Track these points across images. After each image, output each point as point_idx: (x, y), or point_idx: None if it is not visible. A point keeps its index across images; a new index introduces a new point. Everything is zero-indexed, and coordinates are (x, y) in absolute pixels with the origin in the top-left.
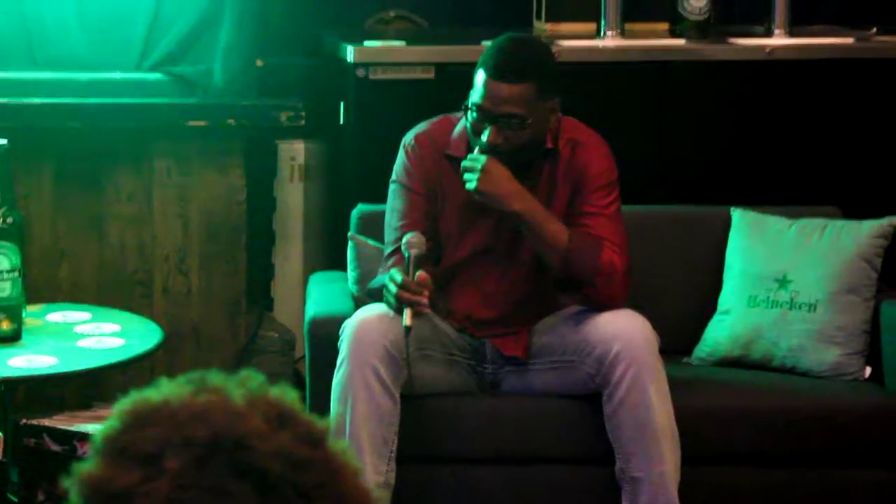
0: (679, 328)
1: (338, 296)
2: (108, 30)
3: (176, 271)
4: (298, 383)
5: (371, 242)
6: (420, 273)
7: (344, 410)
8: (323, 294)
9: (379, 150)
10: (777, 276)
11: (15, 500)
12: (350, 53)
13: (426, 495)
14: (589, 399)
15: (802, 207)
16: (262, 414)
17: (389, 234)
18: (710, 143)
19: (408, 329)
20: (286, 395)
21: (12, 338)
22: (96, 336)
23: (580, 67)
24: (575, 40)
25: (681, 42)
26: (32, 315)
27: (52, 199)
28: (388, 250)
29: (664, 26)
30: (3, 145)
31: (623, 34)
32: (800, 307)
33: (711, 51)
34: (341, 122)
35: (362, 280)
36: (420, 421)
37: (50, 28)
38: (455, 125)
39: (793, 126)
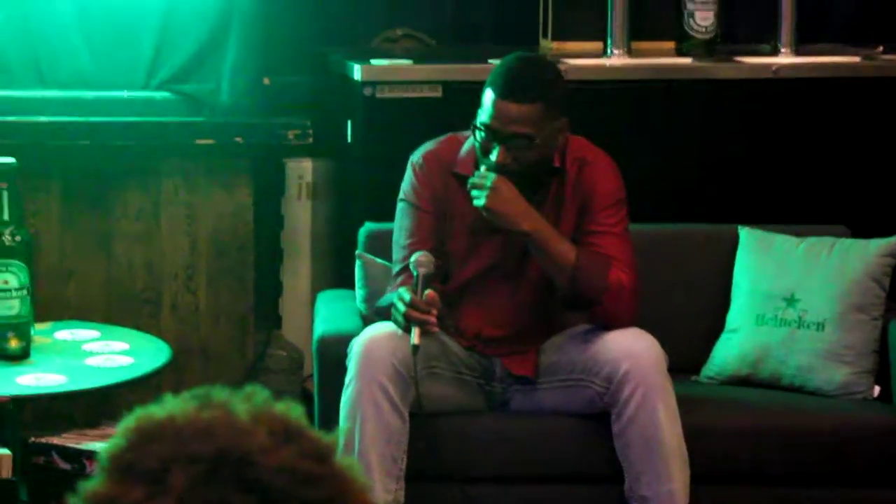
0: (686, 347)
1: (346, 314)
2: (114, 48)
3: (184, 289)
4: (307, 401)
5: (379, 261)
6: (429, 292)
7: (353, 429)
8: (331, 312)
9: (386, 168)
10: (785, 295)
11: None
12: (357, 72)
13: None
14: (597, 418)
15: (810, 226)
16: (267, 429)
17: (397, 253)
18: (717, 162)
19: (416, 348)
20: (292, 410)
21: (21, 356)
22: (105, 354)
23: (587, 86)
24: (581, 59)
25: (687, 61)
26: (41, 333)
27: (60, 217)
28: (396, 269)
29: (670, 45)
30: (12, 163)
31: (629, 53)
32: (808, 326)
33: (718, 69)
34: (348, 140)
35: (370, 298)
36: (429, 439)
37: (57, 47)
38: (462, 144)
39: (800, 145)
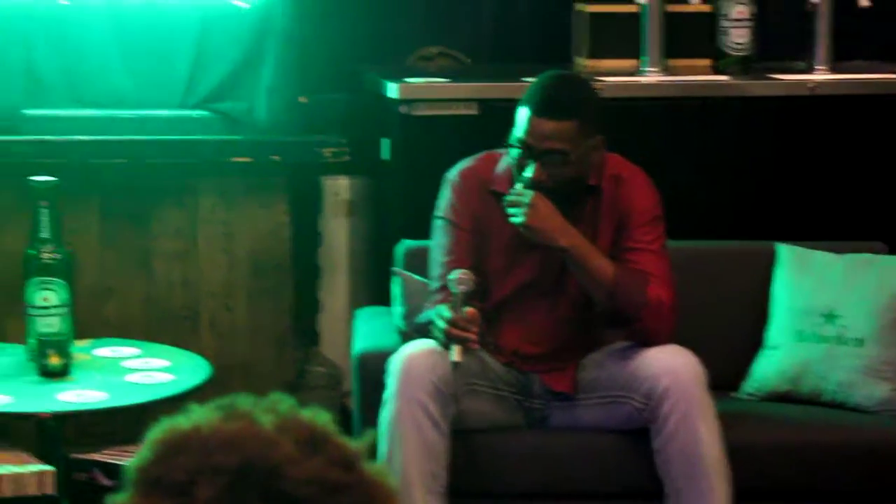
0: (723, 363)
1: (385, 331)
2: (152, 68)
3: (222, 307)
4: (346, 418)
5: (417, 278)
6: (469, 309)
7: (393, 446)
8: (370, 329)
9: (422, 185)
10: (824, 311)
11: None
12: (393, 90)
13: None
14: (637, 434)
15: (848, 243)
16: (293, 439)
17: (435, 270)
18: (753, 179)
19: (456, 365)
20: (318, 417)
21: (61, 373)
22: (145, 371)
23: (622, 103)
24: (616, 77)
25: (723, 78)
26: (81, 350)
27: (99, 236)
28: (434, 286)
29: (706, 62)
30: (52, 182)
31: (665, 70)
32: (848, 342)
33: (753, 87)
34: (384, 157)
35: (409, 315)
36: (469, 456)
37: (94, 67)
38: (498, 161)
39: (836, 162)
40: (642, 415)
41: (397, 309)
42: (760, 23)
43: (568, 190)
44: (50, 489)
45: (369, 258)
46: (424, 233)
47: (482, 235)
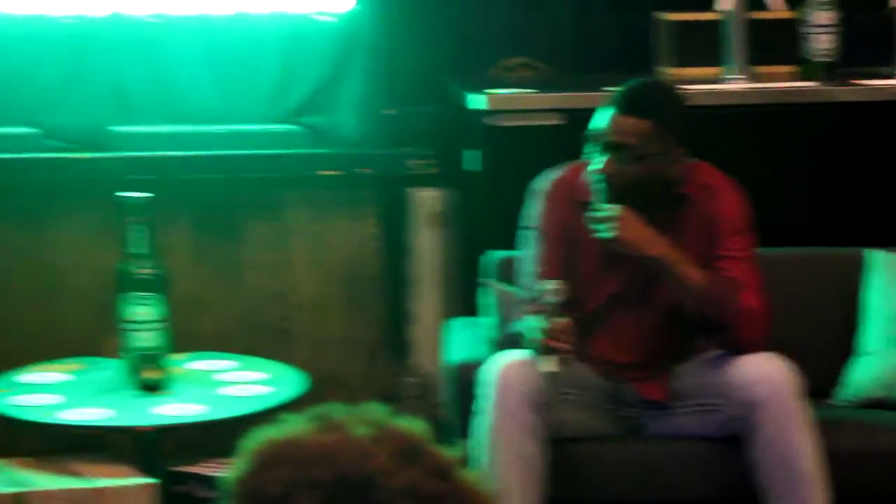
0: (816, 370)
1: (475, 341)
2: (239, 83)
3: (314, 319)
4: (437, 428)
5: (506, 288)
6: (564, 320)
7: (488, 456)
8: (461, 340)
9: (509, 196)
10: None
11: None
12: (478, 101)
13: None
14: (731, 442)
15: None
16: (388, 450)
17: (526, 280)
18: (839, 185)
19: (550, 375)
20: (413, 427)
21: (158, 387)
22: (242, 384)
23: (706, 111)
24: (701, 84)
25: (807, 84)
26: (177, 364)
27: (192, 250)
28: (525, 296)
29: (790, 69)
30: (146, 198)
31: (749, 77)
32: None
33: (838, 92)
34: (468, 168)
35: (501, 326)
36: (565, 465)
37: (182, 82)
38: (584, 170)
39: None
40: (736, 423)
41: (488, 319)
42: (844, 28)
43: (636, 191)
44: (151, 502)
45: (458, 269)
46: (512, 243)
47: (571, 245)
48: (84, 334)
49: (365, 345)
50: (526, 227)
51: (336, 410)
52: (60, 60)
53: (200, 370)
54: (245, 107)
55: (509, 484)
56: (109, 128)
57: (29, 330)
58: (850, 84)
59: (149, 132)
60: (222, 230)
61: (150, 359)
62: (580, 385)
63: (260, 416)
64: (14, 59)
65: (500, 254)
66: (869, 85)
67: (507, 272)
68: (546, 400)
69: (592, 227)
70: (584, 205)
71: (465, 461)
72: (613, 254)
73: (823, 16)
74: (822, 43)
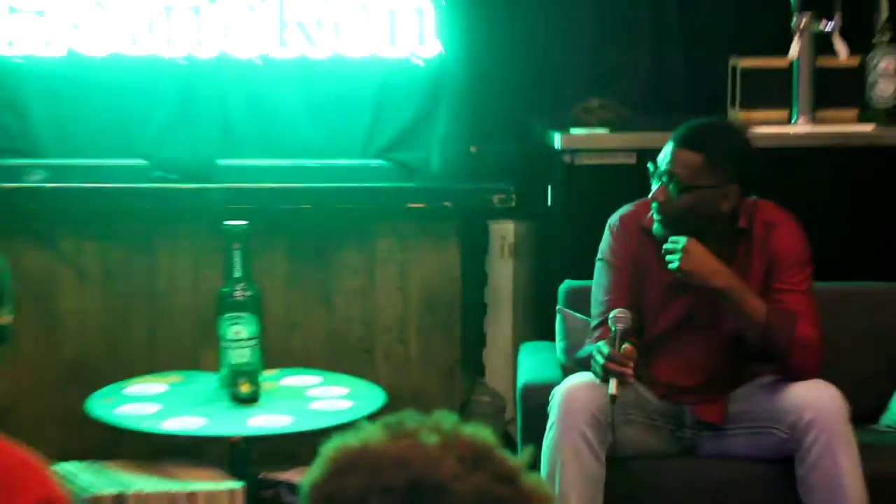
0: (864, 397)
1: (546, 364)
2: (335, 121)
3: (396, 340)
4: (509, 444)
5: (578, 315)
6: (626, 346)
7: (554, 471)
8: (533, 362)
9: (584, 229)
10: None
11: None
12: (557, 140)
13: None
14: (782, 463)
15: None
16: (457, 456)
17: (596, 308)
18: (892, 226)
19: (614, 397)
20: (480, 433)
21: (251, 399)
22: (327, 398)
23: (773, 152)
24: (768, 126)
25: (869, 128)
26: (269, 379)
27: (286, 275)
28: (594, 322)
29: (853, 113)
30: (244, 226)
31: (814, 121)
32: None
33: None
34: (548, 203)
35: (570, 350)
36: (624, 482)
37: (282, 120)
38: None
39: None
40: (787, 445)
41: (559, 344)
42: None
43: (685, 221)
44: None
45: (532, 296)
46: (585, 273)
47: (639, 275)
48: (185, 349)
49: (443, 364)
50: (598, 259)
51: (407, 419)
52: (171, 98)
53: (289, 385)
54: (340, 143)
55: (571, 498)
56: (215, 161)
57: (135, 345)
58: None
59: (251, 165)
60: (315, 257)
61: (244, 373)
62: (641, 406)
63: (342, 427)
64: (129, 97)
65: (573, 283)
66: None
67: (578, 301)
68: (608, 420)
69: (662, 257)
70: (651, 238)
71: (528, 466)
72: (679, 283)
73: (886, 63)
74: (884, 89)
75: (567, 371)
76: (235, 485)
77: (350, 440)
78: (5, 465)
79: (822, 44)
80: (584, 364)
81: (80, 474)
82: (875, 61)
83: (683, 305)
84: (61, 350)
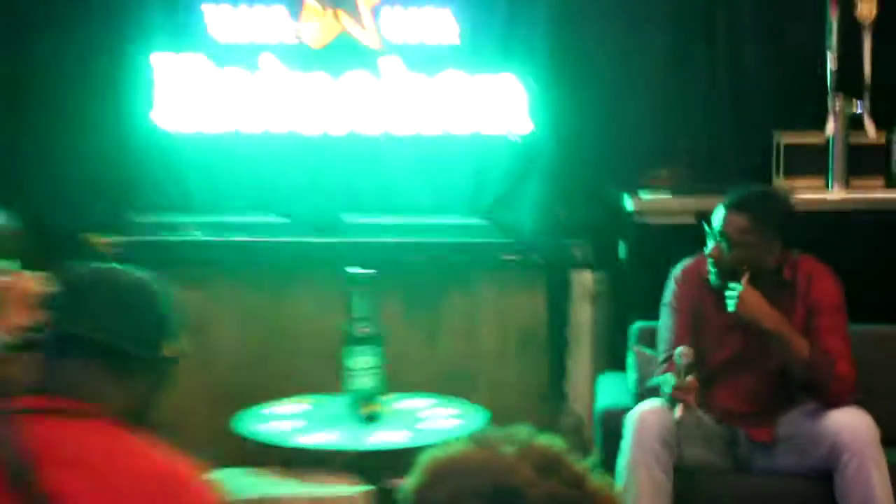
0: (891, 422)
1: (621, 392)
2: (444, 185)
3: (495, 370)
4: (588, 459)
5: (648, 352)
6: (690, 378)
7: (628, 483)
8: (609, 391)
9: (651, 279)
10: None
11: None
12: (628, 203)
13: None
14: (823, 478)
15: None
16: (531, 464)
17: (662, 345)
18: None
19: (678, 421)
20: (551, 443)
21: (373, 419)
22: (437, 418)
23: (812, 215)
24: (807, 192)
25: (894, 193)
26: (388, 402)
27: (402, 314)
28: (661, 357)
29: (880, 181)
30: (371, 274)
31: (846, 188)
32: None
33: None
34: (621, 256)
35: (641, 380)
36: (689, 493)
37: (400, 183)
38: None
39: None
40: (827, 462)
41: (631, 375)
42: None
43: (735, 272)
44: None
45: (608, 334)
46: (652, 315)
47: (699, 317)
48: (317, 377)
49: (533, 391)
50: (664, 304)
51: (489, 433)
52: (306, 166)
53: (406, 407)
54: (448, 203)
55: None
56: (341, 218)
57: (276, 372)
58: None
59: (372, 222)
60: (426, 300)
61: (367, 397)
62: (701, 428)
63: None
64: (271, 165)
65: (643, 323)
66: None
67: (647, 338)
68: (674, 440)
69: (718, 302)
70: (709, 286)
71: (594, 470)
72: (732, 324)
73: None
74: None
75: (639, 398)
76: (364, 489)
77: (441, 452)
78: (171, 471)
79: (853, 122)
80: (654, 392)
81: (230, 481)
82: None
83: (737, 344)
84: (212, 376)
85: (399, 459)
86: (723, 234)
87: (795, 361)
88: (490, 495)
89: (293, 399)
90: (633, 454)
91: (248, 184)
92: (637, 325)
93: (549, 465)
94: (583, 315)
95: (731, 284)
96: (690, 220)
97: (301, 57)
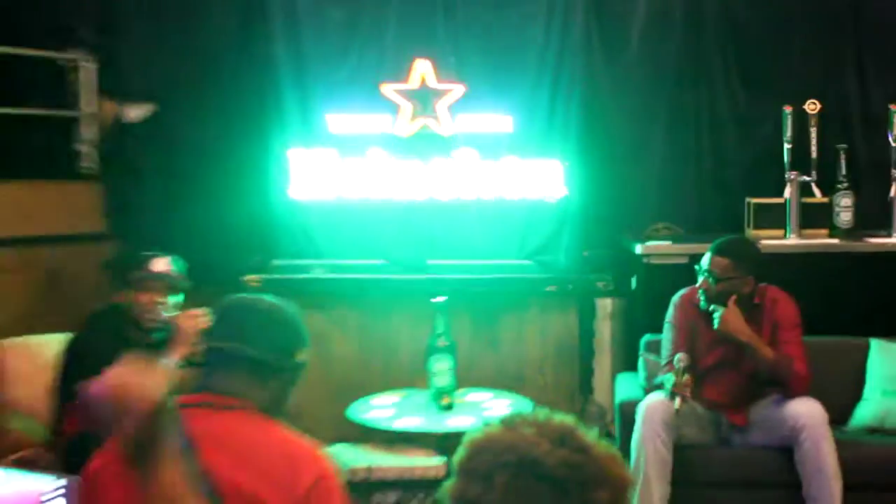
0: (836, 408)
1: (634, 388)
2: (498, 235)
3: (538, 372)
4: (609, 439)
5: (653, 358)
6: (686, 377)
7: (640, 456)
8: (625, 387)
9: (656, 304)
10: None
11: None
12: (638, 248)
13: None
14: (786, 450)
15: None
16: (547, 438)
17: (664, 353)
18: (852, 301)
19: (677, 410)
20: (564, 419)
21: (449, 408)
22: (496, 407)
23: (774, 257)
24: (771, 239)
25: (835, 241)
26: (460, 395)
27: (470, 331)
28: (663, 362)
29: (825, 231)
30: (444, 301)
31: (800, 236)
32: None
33: (854, 246)
34: (633, 287)
35: (649, 379)
36: (685, 463)
37: (467, 235)
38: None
39: None
40: (788, 439)
41: (641, 374)
42: (858, 208)
43: (722, 299)
44: (445, 473)
45: (623, 345)
46: (657, 330)
47: (692, 332)
48: (408, 376)
49: (567, 387)
50: (666, 322)
51: (515, 416)
52: (399, 221)
53: (473, 399)
54: (502, 249)
55: (651, 472)
56: (426, 261)
57: (377, 373)
58: (862, 241)
59: (448, 264)
60: (487, 320)
61: (445, 392)
62: (695, 414)
63: None
64: (375, 223)
65: (650, 337)
66: (873, 242)
67: (653, 348)
68: (674, 423)
69: (707, 321)
70: (699, 309)
71: (604, 440)
72: (718, 338)
73: (845, 201)
74: (844, 217)
75: (647, 392)
76: (442, 461)
77: (479, 432)
78: (297, 449)
79: (804, 189)
80: (658, 388)
81: (342, 454)
82: (838, 200)
83: (720, 352)
84: (330, 376)
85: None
86: (710, 271)
87: (763, 364)
88: (515, 465)
89: (390, 392)
90: (642, 434)
91: (357, 236)
92: (645, 338)
93: (561, 437)
94: (604, 331)
95: (715, 308)
96: (684, 260)
97: (398, 146)
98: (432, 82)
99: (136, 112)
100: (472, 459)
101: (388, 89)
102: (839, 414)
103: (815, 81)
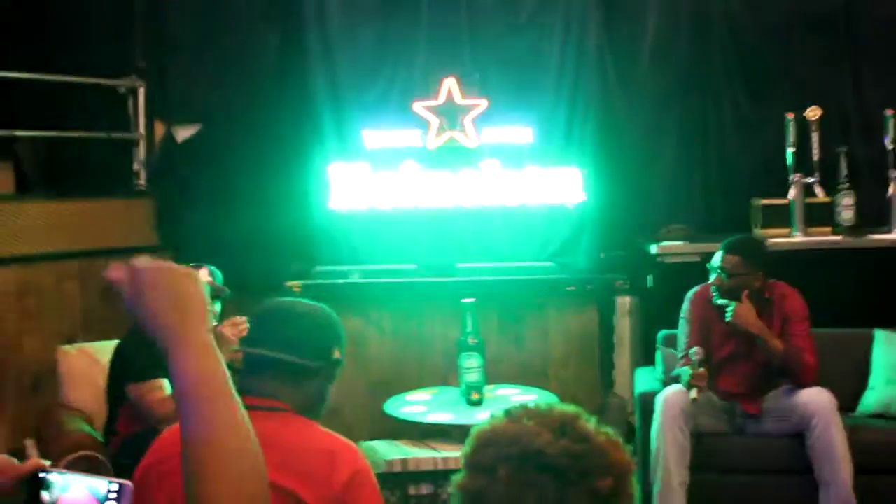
0: (845, 396)
1: (652, 380)
2: (522, 239)
3: (561, 366)
4: (630, 429)
5: (670, 351)
6: (701, 370)
7: (660, 443)
8: (644, 379)
9: (671, 300)
10: None
11: None
12: (653, 248)
13: (705, 492)
14: (797, 437)
15: None
16: (548, 429)
17: (680, 346)
18: (856, 294)
19: (694, 400)
20: (566, 409)
21: (479, 403)
22: (524, 400)
23: (781, 254)
24: (777, 238)
25: (838, 238)
26: (489, 390)
27: (497, 329)
28: (679, 355)
29: (828, 229)
30: (474, 302)
31: (805, 233)
32: None
33: (857, 242)
34: (649, 285)
35: (666, 371)
36: (701, 450)
37: (492, 239)
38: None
39: None
40: (799, 426)
41: (659, 368)
42: (860, 206)
43: (734, 294)
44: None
45: (641, 340)
46: (673, 326)
47: (706, 326)
48: (440, 373)
49: (589, 380)
50: (681, 317)
51: (518, 408)
52: (429, 228)
53: (500, 394)
54: (525, 252)
55: (670, 458)
56: (455, 264)
57: (411, 370)
58: (864, 237)
59: (475, 266)
60: (513, 318)
61: (474, 387)
62: (710, 404)
63: None
64: (407, 230)
65: (667, 332)
66: (874, 238)
67: (670, 342)
68: (691, 412)
69: (720, 315)
70: (712, 304)
71: (605, 428)
72: (730, 331)
73: (847, 200)
74: (846, 215)
75: (665, 384)
76: None
77: (484, 426)
78: (330, 445)
79: (807, 189)
80: (675, 380)
81: (379, 448)
82: (840, 199)
83: (734, 344)
84: (367, 375)
85: None
86: (722, 268)
87: (774, 356)
88: (517, 457)
89: (423, 389)
90: (662, 423)
91: (391, 243)
92: (662, 333)
93: (561, 427)
94: (623, 327)
95: (727, 302)
96: (697, 259)
97: (428, 158)
98: (458, 98)
99: (184, 132)
100: (477, 453)
101: (418, 106)
102: (846, 402)
103: (815, 89)
